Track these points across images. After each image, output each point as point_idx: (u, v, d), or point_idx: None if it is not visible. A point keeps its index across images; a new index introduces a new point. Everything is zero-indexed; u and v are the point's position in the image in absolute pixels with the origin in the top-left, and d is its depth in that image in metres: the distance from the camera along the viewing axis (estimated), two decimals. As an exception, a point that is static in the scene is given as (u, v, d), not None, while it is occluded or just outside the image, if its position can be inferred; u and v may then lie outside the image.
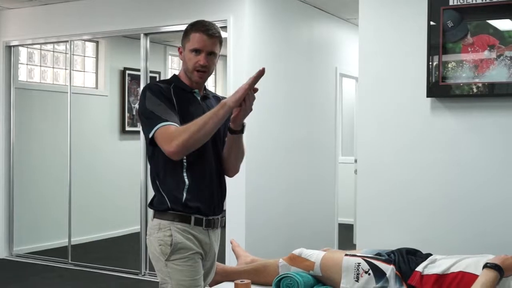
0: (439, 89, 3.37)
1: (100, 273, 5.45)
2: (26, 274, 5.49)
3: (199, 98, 2.35)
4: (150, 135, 2.17)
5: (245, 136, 4.71)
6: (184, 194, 2.22)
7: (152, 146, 2.22)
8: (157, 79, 7.16)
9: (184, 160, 2.23)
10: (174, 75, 2.39)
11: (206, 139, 2.16)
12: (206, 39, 2.27)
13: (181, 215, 2.23)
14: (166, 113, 2.17)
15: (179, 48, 2.37)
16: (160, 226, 2.24)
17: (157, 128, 2.15)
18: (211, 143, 2.30)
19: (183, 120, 2.20)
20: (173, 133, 2.12)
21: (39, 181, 6.36)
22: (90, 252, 6.21)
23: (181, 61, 2.38)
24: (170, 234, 2.21)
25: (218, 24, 4.85)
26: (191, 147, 2.15)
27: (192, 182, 2.23)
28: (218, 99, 2.44)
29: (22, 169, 6.18)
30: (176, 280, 2.20)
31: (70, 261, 5.77)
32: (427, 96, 3.40)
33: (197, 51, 2.27)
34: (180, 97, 2.27)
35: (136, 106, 7.08)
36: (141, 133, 5.31)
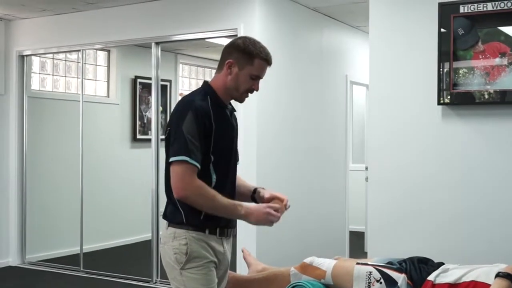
0: (450, 96, 3.36)
1: (111, 281, 5.46)
2: (38, 281, 5.52)
3: (229, 114, 2.37)
4: (171, 160, 2.18)
5: (256, 143, 4.72)
6: (203, 212, 2.23)
7: None
8: (168, 87, 7.20)
9: (214, 181, 2.25)
10: (208, 84, 2.34)
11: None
12: (266, 68, 2.33)
13: (196, 225, 2.25)
14: (196, 147, 2.16)
15: (230, 62, 2.27)
16: (175, 235, 2.25)
17: (181, 160, 2.15)
18: (234, 162, 2.37)
19: (217, 139, 2.23)
20: (194, 184, 2.15)
21: (51, 189, 6.40)
22: (102, 259, 6.23)
23: (216, 73, 2.34)
24: (185, 243, 2.22)
25: (229, 33, 4.93)
26: (193, 205, 2.20)
27: None
28: (235, 117, 2.47)
29: (35, 177, 6.22)
30: (191, 288, 2.22)
31: (82, 269, 5.79)
32: (438, 104, 3.40)
33: (257, 77, 2.31)
34: (217, 114, 2.26)
35: (148, 114, 7.13)
36: (153, 141, 5.33)
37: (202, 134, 2.19)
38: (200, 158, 2.18)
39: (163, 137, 2.38)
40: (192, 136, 2.16)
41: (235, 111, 2.43)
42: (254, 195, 2.46)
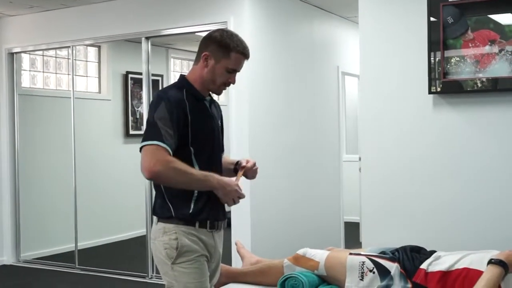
0: (441, 85, 3.36)
1: (107, 277, 5.46)
2: (33, 280, 5.51)
3: (208, 105, 2.35)
4: (141, 144, 2.15)
5: (249, 136, 4.72)
6: (192, 205, 2.23)
7: None
8: (160, 82, 7.17)
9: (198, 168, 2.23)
10: (184, 78, 2.32)
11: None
12: (243, 61, 2.32)
13: (185, 219, 2.24)
14: (168, 134, 2.13)
15: (206, 55, 2.26)
16: (165, 230, 2.24)
17: (149, 144, 2.12)
18: (217, 153, 2.36)
19: (194, 130, 2.21)
20: (165, 159, 2.10)
21: (44, 186, 6.39)
22: (97, 256, 6.22)
23: (191, 65, 2.34)
24: (175, 238, 2.21)
25: (218, 26, 4.89)
26: (164, 183, 2.21)
27: (202, 192, 2.23)
28: (218, 107, 2.46)
29: (27, 175, 6.20)
30: (183, 283, 2.21)
31: (77, 266, 5.78)
32: (429, 93, 3.40)
33: (233, 71, 2.29)
34: (193, 106, 2.24)
35: (140, 109, 7.11)
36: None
37: (175, 122, 2.15)
38: (173, 144, 2.14)
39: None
40: (165, 124, 2.13)
41: (214, 101, 2.42)
42: (236, 167, 2.48)
